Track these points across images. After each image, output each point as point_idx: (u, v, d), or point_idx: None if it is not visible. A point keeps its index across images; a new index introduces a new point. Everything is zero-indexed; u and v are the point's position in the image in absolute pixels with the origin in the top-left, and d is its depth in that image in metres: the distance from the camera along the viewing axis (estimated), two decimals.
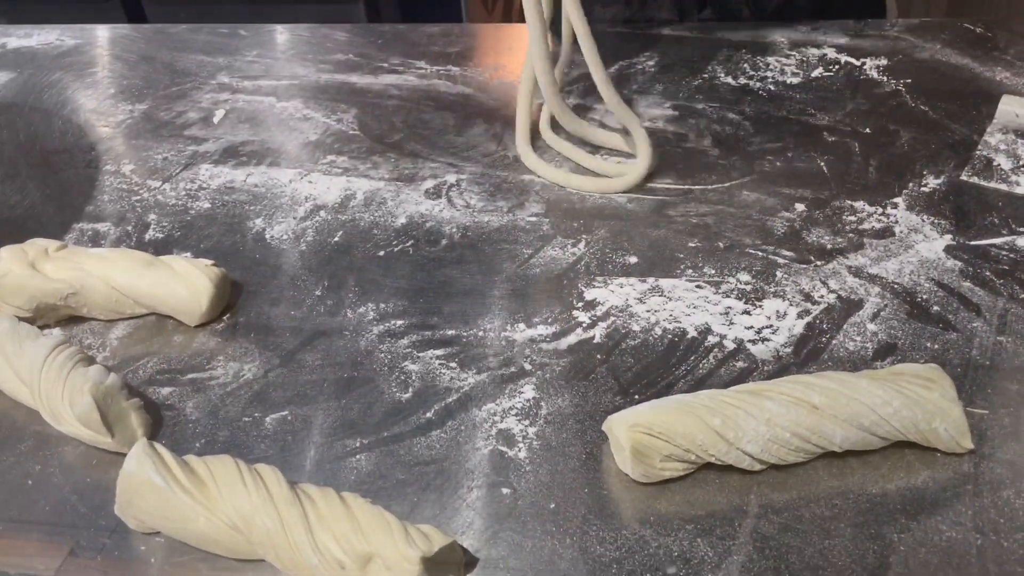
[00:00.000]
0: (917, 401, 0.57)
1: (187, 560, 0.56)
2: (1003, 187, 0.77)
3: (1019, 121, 0.84)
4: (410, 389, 0.66)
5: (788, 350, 0.67)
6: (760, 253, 0.76)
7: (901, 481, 0.57)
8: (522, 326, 0.70)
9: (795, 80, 1.00)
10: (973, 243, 0.75)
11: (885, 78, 0.99)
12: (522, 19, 0.79)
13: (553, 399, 0.64)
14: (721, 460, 0.57)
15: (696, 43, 1.08)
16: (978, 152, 0.80)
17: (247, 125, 0.98)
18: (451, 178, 0.88)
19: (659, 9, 1.12)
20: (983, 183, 0.77)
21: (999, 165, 0.79)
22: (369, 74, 1.07)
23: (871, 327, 0.68)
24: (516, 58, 1.09)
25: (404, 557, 0.50)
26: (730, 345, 0.68)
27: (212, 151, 0.94)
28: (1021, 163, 0.79)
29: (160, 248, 0.80)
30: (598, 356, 0.68)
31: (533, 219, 0.82)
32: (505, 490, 0.58)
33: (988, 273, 0.72)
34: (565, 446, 0.61)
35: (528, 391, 0.65)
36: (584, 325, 0.70)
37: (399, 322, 0.71)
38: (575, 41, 0.79)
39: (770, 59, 1.03)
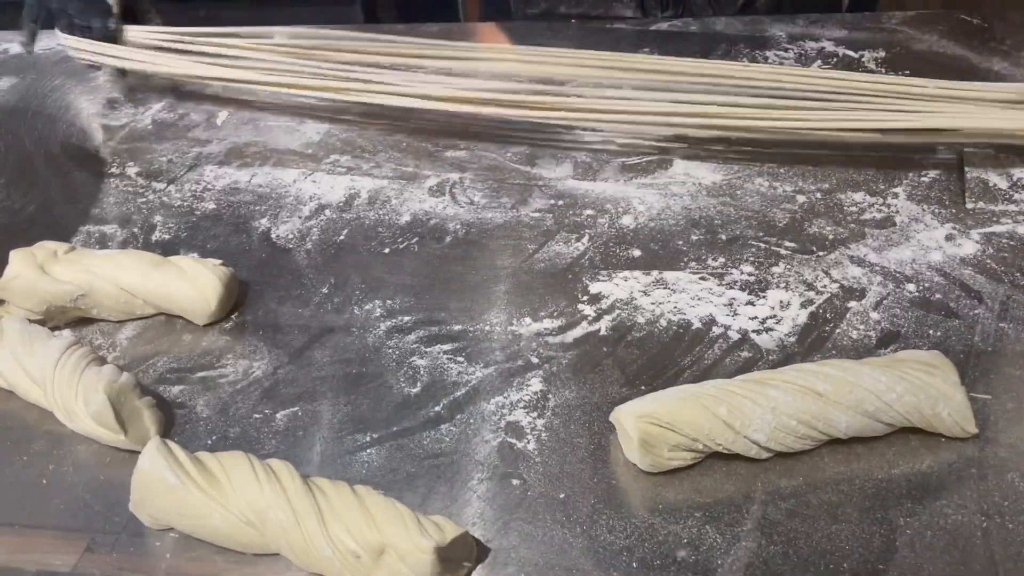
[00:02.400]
0: (921, 387, 0.58)
1: (201, 555, 0.56)
2: (1011, 207, 0.77)
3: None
4: (419, 384, 0.66)
5: (792, 339, 0.68)
6: (762, 244, 0.77)
7: (906, 466, 0.58)
8: (528, 320, 0.71)
9: None
10: (974, 231, 0.76)
11: (883, 70, 1.00)
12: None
13: (560, 391, 0.65)
14: (728, 449, 0.58)
15: (694, 38, 1.08)
16: (968, 176, 0.80)
17: (250, 126, 0.99)
18: (454, 175, 0.88)
19: (624, 8, 1.15)
20: (990, 207, 0.77)
21: (996, 185, 0.80)
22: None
23: (874, 315, 0.69)
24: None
25: (418, 547, 0.51)
26: (734, 335, 0.68)
27: (216, 152, 0.94)
28: (1015, 179, 0.80)
29: (167, 249, 0.81)
30: (604, 348, 0.68)
31: (536, 215, 0.82)
32: (515, 481, 0.59)
33: (989, 260, 0.73)
34: (573, 437, 0.62)
35: (535, 384, 0.66)
36: (590, 318, 0.71)
37: (406, 318, 0.72)
38: None
39: (768, 53, 1.03)
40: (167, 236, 0.83)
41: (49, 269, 0.72)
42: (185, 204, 0.87)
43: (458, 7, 2.06)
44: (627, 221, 0.81)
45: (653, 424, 0.57)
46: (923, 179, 0.82)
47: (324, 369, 0.68)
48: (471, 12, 1.94)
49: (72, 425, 0.63)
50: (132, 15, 1.01)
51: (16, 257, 0.72)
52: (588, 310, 0.72)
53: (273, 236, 0.82)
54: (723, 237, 0.78)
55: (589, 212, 0.82)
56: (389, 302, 0.74)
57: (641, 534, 0.55)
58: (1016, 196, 0.79)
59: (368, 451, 0.62)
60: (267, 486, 0.54)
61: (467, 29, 1.19)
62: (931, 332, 0.67)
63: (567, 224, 0.81)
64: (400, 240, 0.81)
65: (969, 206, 0.78)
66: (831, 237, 0.77)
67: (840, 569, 0.53)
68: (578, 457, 0.60)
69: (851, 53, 1.02)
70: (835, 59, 1.02)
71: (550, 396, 0.65)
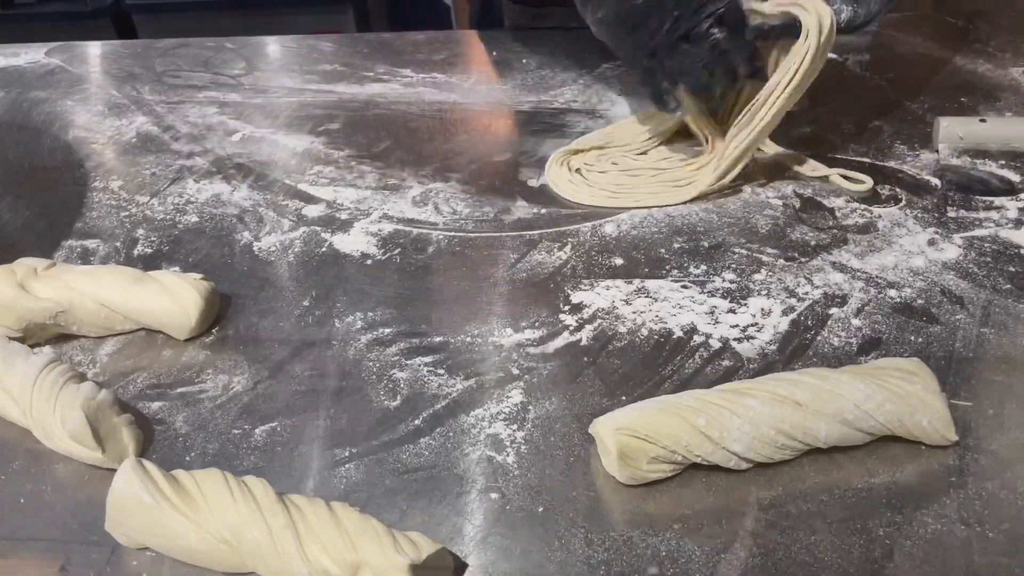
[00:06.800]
0: (900, 395, 0.58)
1: (178, 574, 0.56)
2: (993, 215, 0.77)
3: (964, 142, 0.84)
4: (399, 397, 0.66)
5: (773, 347, 0.67)
6: (744, 251, 0.76)
7: (886, 475, 0.58)
8: (509, 331, 0.71)
9: None
10: (955, 236, 0.76)
11: (868, 73, 0.99)
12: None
13: (541, 403, 0.65)
14: (707, 460, 0.58)
15: None
16: (945, 179, 0.80)
17: (234, 138, 0.98)
18: (437, 185, 0.88)
19: None
20: (972, 214, 0.77)
21: (972, 190, 0.80)
22: (355, 83, 1.07)
23: (855, 322, 0.69)
24: (500, 64, 1.10)
25: (393, 565, 0.50)
26: (716, 344, 0.68)
27: (199, 165, 0.94)
28: (992, 185, 0.80)
29: (149, 263, 0.80)
30: (585, 359, 0.68)
31: (519, 224, 0.82)
32: (494, 495, 0.59)
33: (971, 265, 0.73)
34: (553, 450, 0.61)
35: (516, 395, 0.65)
36: (571, 328, 0.71)
37: (387, 330, 0.72)
38: None
39: None
40: (149, 250, 0.83)
41: (29, 286, 0.71)
42: (168, 217, 0.87)
43: (451, 17, 2.06)
44: (609, 229, 0.80)
45: (631, 436, 0.57)
46: (906, 183, 0.82)
47: (304, 383, 0.68)
48: (463, 22, 1.94)
49: (50, 443, 0.62)
50: None
51: None
52: (570, 320, 0.71)
53: (255, 249, 0.82)
54: (705, 244, 0.77)
55: (571, 221, 0.82)
56: (371, 314, 0.74)
57: (619, 548, 0.55)
58: (994, 201, 0.78)
59: (347, 466, 0.61)
60: (242, 504, 0.54)
61: (452, 37, 1.19)
62: (912, 338, 0.67)
63: (549, 233, 0.80)
64: (382, 251, 0.80)
65: (952, 214, 0.78)
66: (813, 243, 0.76)
67: None
68: (557, 470, 0.60)
69: (835, 56, 1.02)
70: None
71: (530, 408, 0.64)
